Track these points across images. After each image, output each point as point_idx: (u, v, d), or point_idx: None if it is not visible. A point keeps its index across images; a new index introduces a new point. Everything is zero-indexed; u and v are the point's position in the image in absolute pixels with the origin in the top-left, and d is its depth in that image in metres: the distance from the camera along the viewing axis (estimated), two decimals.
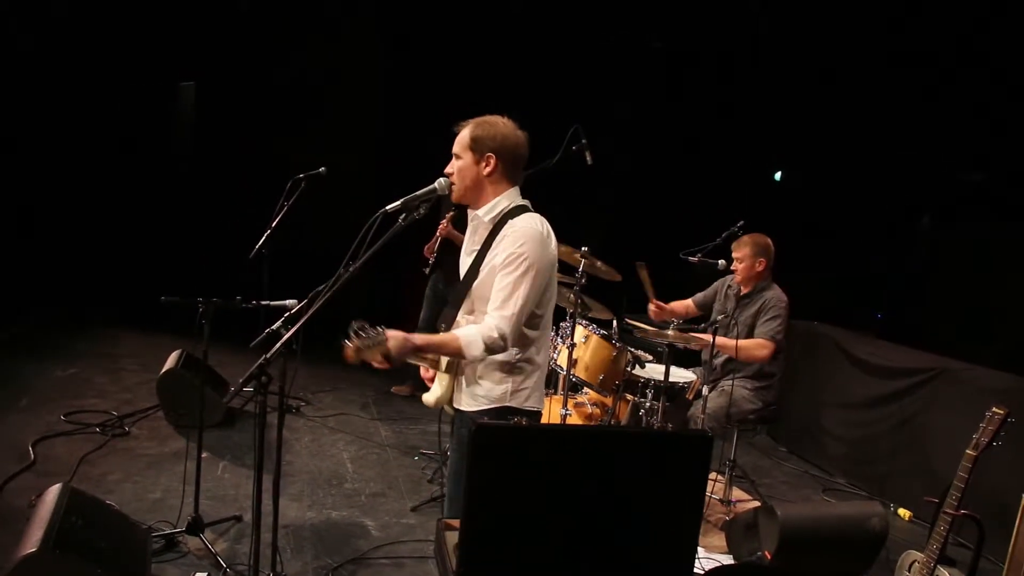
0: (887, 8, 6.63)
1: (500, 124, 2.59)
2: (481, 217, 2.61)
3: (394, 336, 2.43)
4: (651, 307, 4.63)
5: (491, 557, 1.61)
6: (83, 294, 7.50)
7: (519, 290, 2.45)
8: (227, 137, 8.02)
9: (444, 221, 5.37)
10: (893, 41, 6.83)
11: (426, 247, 5.68)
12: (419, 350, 2.52)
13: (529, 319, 2.55)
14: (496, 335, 2.43)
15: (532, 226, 2.52)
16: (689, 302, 4.83)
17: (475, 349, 2.45)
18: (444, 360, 2.73)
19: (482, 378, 2.60)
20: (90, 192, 7.69)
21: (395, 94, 8.30)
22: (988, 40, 6.33)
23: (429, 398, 2.78)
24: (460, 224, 5.53)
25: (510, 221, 2.54)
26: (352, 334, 2.33)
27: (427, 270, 5.73)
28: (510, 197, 2.60)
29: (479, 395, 2.60)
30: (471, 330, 2.49)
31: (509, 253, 2.48)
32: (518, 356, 2.58)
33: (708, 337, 4.53)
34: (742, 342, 4.33)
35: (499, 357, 2.56)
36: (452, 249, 5.61)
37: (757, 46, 7.55)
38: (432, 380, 2.81)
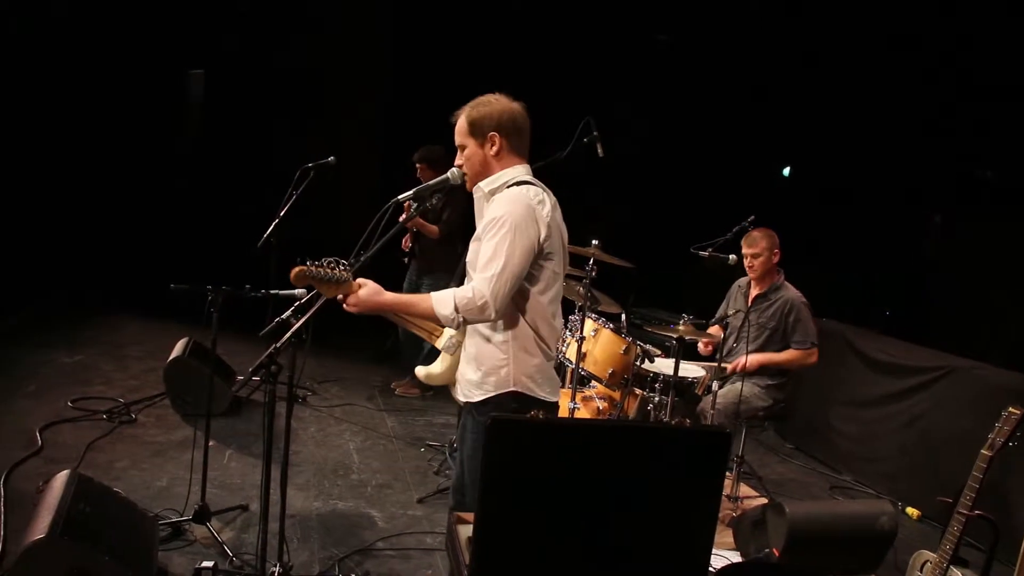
0: (898, 3, 6.59)
1: (494, 101, 2.54)
2: (483, 189, 2.56)
3: (366, 284, 2.42)
4: (701, 346, 4.69)
5: (505, 551, 1.59)
6: (91, 281, 7.50)
7: (500, 251, 2.37)
8: (236, 125, 8.00)
9: (404, 214, 5.25)
10: (904, 37, 6.78)
11: (404, 239, 5.69)
12: (386, 306, 2.48)
13: (526, 294, 2.47)
14: (471, 294, 2.35)
15: (519, 191, 2.46)
16: (718, 326, 4.73)
17: (445, 307, 2.38)
18: (444, 336, 2.72)
19: (482, 362, 2.52)
20: (99, 179, 7.68)
21: (403, 83, 8.28)
22: (1000, 35, 6.27)
23: (421, 371, 2.77)
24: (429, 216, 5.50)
25: (504, 191, 2.50)
26: (310, 260, 2.28)
27: (406, 260, 5.74)
28: (515, 172, 2.54)
29: (479, 381, 2.53)
30: (447, 291, 2.44)
31: (491, 218, 2.43)
32: (511, 337, 2.48)
33: (719, 335, 4.53)
34: (789, 356, 4.41)
35: (493, 335, 2.49)
36: (425, 241, 5.57)
37: (766, 40, 7.50)
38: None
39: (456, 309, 2.37)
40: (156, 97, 8.03)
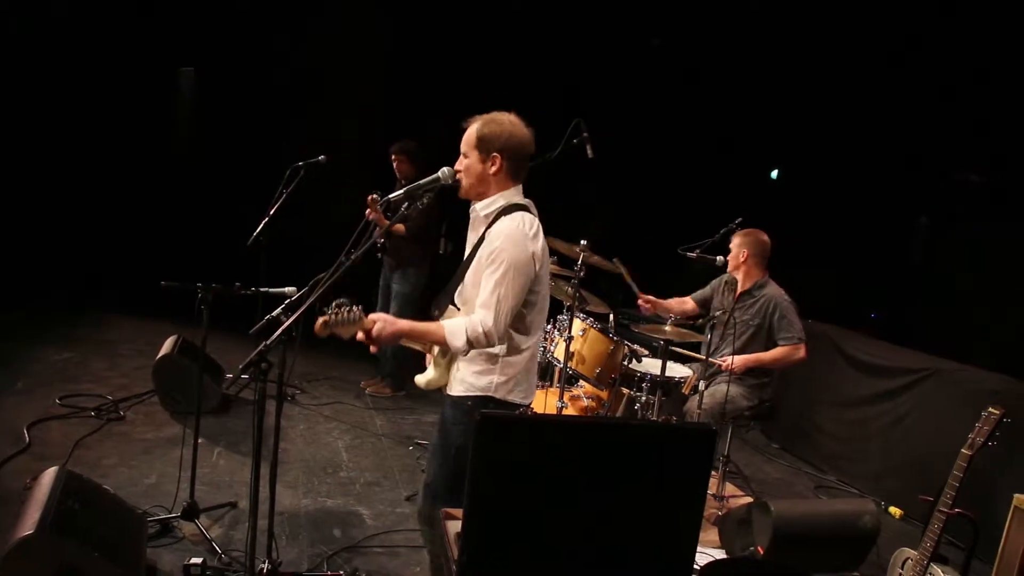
0: (885, 7, 6.65)
1: (507, 123, 2.61)
2: (479, 212, 2.67)
3: (380, 319, 2.53)
4: (640, 302, 4.63)
5: (493, 547, 1.61)
6: (81, 279, 7.47)
7: (500, 287, 2.51)
8: (227, 123, 7.99)
9: (370, 208, 4.96)
10: (892, 40, 6.84)
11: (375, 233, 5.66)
12: (403, 335, 2.61)
13: (517, 318, 2.60)
14: (480, 329, 2.50)
15: (515, 226, 2.56)
16: (688, 299, 4.82)
17: (458, 340, 2.53)
18: (437, 346, 2.77)
19: (469, 366, 2.66)
20: (89, 177, 7.65)
21: (396, 82, 8.29)
22: (987, 40, 6.34)
23: (420, 379, 2.85)
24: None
25: (501, 218, 2.60)
26: (326, 309, 2.36)
27: (379, 255, 5.72)
28: (509, 196, 2.64)
29: (466, 381, 2.67)
30: (458, 321, 2.57)
31: (490, 251, 2.55)
32: (503, 352, 2.64)
33: (678, 307, 4.59)
34: (776, 354, 4.43)
35: (486, 350, 2.63)
36: (394, 239, 5.54)
37: (756, 43, 7.55)
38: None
39: (467, 341, 2.52)
40: (147, 95, 8.00)
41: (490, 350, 2.62)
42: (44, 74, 7.02)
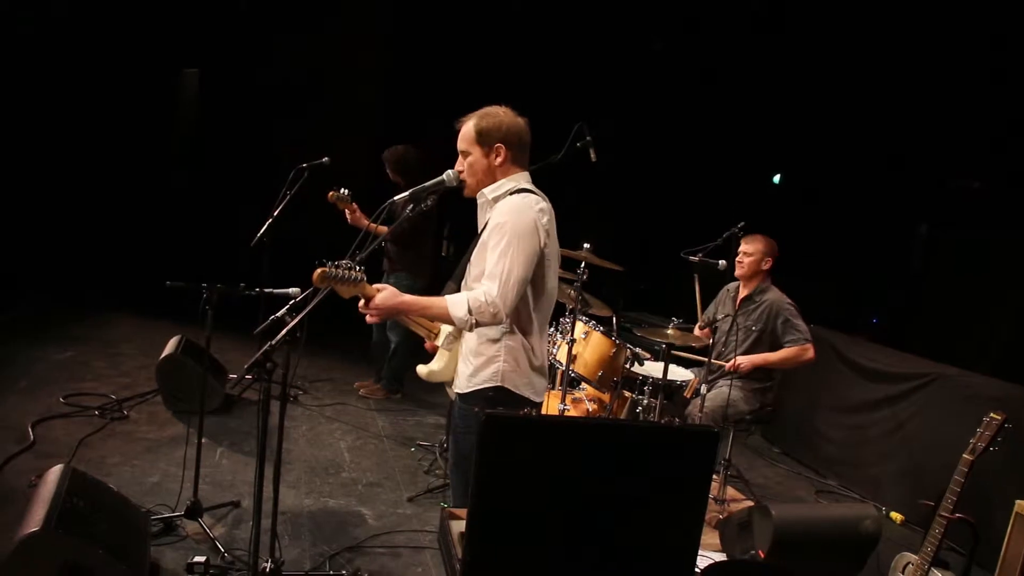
0: (885, 13, 6.67)
1: (501, 114, 2.64)
2: (487, 196, 2.65)
3: (386, 287, 2.51)
4: (697, 330, 4.65)
5: (497, 546, 1.62)
6: (83, 279, 7.49)
7: (505, 257, 2.48)
8: (230, 124, 8.01)
9: (349, 209, 4.94)
10: (892, 46, 6.86)
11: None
12: (406, 308, 2.56)
13: (524, 299, 2.56)
14: (483, 299, 2.45)
15: (520, 200, 2.56)
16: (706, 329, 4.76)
17: (459, 310, 2.47)
18: (442, 334, 2.79)
19: (474, 359, 2.63)
20: (92, 177, 7.68)
21: (397, 84, 8.31)
22: (987, 46, 6.36)
23: (423, 369, 2.84)
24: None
25: (507, 198, 2.60)
26: (328, 262, 2.33)
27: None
28: (516, 179, 2.64)
29: (471, 375, 2.64)
30: (460, 294, 2.54)
31: (495, 225, 2.54)
32: (505, 338, 2.59)
33: (706, 337, 4.57)
34: (785, 354, 4.43)
35: (490, 332, 2.59)
36: (389, 243, 5.51)
37: (758, 48, 7.58)
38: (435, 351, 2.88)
39: (469, 312, 2.46)
40: (151, 96, 8.03)
41: (490, 334, 2.59)
42: (47, 75, 7.05)
